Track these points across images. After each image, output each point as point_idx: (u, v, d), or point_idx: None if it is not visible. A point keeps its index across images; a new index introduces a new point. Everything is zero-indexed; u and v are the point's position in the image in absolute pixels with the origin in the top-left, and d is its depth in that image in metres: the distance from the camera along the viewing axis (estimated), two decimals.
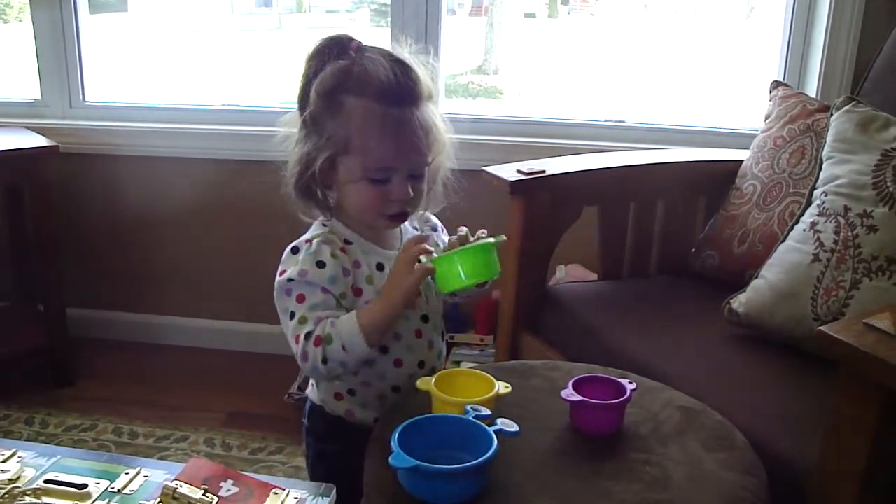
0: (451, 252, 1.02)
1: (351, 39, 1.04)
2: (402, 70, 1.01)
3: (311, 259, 1.03)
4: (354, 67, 1.01)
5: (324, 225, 1.09)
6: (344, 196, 1.06)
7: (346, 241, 1.08)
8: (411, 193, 1.04)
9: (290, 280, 1.03)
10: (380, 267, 1.08)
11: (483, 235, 1.05)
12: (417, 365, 1.12)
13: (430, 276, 1.01)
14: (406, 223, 1.13)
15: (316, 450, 1.17)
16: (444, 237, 1.17)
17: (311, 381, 1.17)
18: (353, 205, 1.06)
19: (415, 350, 1.11)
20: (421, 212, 1.15)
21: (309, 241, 1.05)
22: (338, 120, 1.02)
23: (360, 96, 1.01)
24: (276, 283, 1.05)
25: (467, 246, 1.03)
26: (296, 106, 1.07)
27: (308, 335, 1.00)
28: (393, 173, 1.03)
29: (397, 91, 1.01)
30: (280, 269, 1.05)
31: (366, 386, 1.11)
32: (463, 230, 1.07)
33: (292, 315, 1.03)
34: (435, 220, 1.19)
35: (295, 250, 1.05)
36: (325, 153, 1.02)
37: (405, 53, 1.04)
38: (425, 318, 1.12)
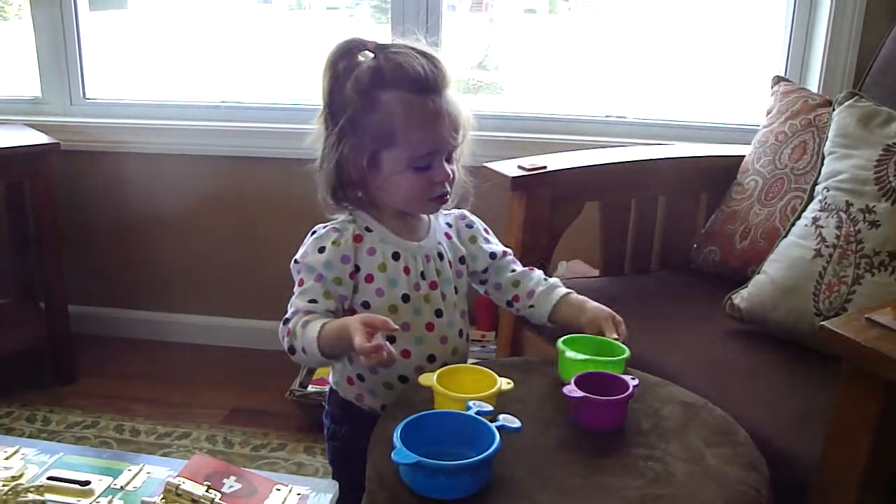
0: (579, 361, 1.06)
1: (365, 41, 1.07)
2: (429, 59, 1.06)
3: (315, 243, 1.10)
4: (385, 63, 1.05)
5: (350, 214, 1.13)
6: (387, 189, 1.10)
7: (367, 229, 1.11)
8: (450, 174, 1.09)
9: (296, 261, 1.10)
10: (395, 256, 1.11)
11: (614, 338, 1.09)
12: (427, 358, 1.13)
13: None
14: (441, 219, 1.18)
15: (330, 430, 1.22)
16: (492, 240, 1.22)
17: (332, 364, 1.21)
18: (400, 195, 1.10)
19: (425, 343, 1.12)
20: (457, 211, 1.20)
21: (325, 226, 1.11)
22: (378, 115, 1.05)
23: (397, 89, 1.05)
24: None
25: (597, 360, 1.06)
26: (314, 107, 1.11)
27: (286, 321, 1.07)
28: (434, 158, 1.07)
29: (430, 80, 1.05)
30: None
31: (373, 372, 1.13)
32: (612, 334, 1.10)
33: (292, 295, 1.09)
34: (471, 217, 1.22)
35: (313, 233, 1.12)
36: (368, 150, 1.06)
37: (424, 44, 1.08)
38: (439, 313, 1.13)
